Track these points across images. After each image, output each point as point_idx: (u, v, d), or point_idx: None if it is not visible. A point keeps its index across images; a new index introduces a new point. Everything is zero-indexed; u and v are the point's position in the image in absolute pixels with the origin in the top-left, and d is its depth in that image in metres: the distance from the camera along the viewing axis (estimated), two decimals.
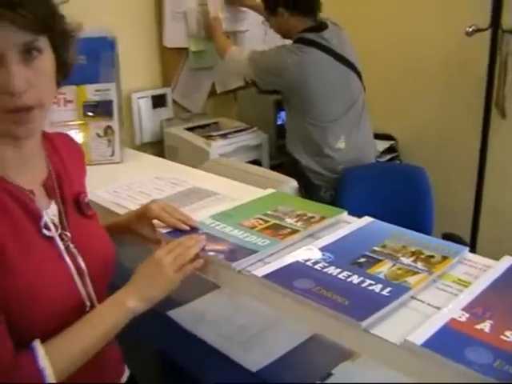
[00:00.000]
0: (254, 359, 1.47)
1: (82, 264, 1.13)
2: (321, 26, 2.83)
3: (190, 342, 1.57)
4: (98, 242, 1.23)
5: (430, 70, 3.40)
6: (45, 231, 1.09)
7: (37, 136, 1.14)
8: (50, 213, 1.13)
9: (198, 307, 1.67)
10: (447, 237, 2.88)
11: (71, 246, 1.12)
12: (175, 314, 1.64)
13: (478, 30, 3.06)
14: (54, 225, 1.12)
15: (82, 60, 1.94)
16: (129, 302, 1.11)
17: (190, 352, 1.55)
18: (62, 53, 1.10)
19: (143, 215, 1.35)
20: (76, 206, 1.20)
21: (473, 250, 3.10)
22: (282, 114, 3.23)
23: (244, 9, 3.31)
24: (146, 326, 1.63)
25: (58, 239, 1.11)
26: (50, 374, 0.98)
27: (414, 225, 2.68)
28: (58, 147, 1.24)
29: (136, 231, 1.36)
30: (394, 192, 2.86)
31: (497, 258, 1.18)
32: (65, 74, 1.14)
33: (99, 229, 1.27)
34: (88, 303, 1.13)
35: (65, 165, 1.23)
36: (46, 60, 1.05)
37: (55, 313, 1.05)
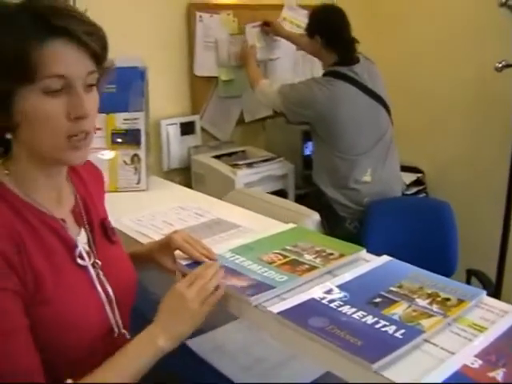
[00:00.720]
0: None
1: (111, 291, 1.15)
2: (352, 60, 2.85)
3: (207, 372, 1.57)
4: (124, 268, 1.26)
5: (460, 104, 3.40)
6: (79, 260, 1.11)
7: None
8: (81, 241, 1.15)
9: (216, 337, 1.68)
10: (472, 273, 2.85)
11: (101, 273, 1.15)
12: (193, 343, 1.65)
13: (508, 66, 3.06)
14: (87, 253, 1.14)
15: (112, 89, 1.99)
16: (158, 342, 1.09)
17: (206, 382, 1.55)
18: (101, 89, 1.14)
19: (166, 245, 1.37)
20: (103, 231, 1.24)
21: (498, 288, 3.06)
22: (310, 145, 3.24)
23: (278, 38, 3.37)
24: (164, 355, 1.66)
25: (90, 268, 1.13)
26: None
27: (438, 260, 2.74)
28: (81, 173, 1.27)
29: (158, 261, 1.38)
30: (418, 226, 2.85)
31: None
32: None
33: (123, 254, 1.30)
34: (116, 330, 1.15)
35: (89, 191, 1.26)
36: (96, 93, 1.10)
37: (84, 340, 1.07)
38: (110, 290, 1.15)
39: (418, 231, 2.84)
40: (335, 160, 2.83)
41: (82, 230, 1.18)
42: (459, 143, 3.45)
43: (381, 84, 2.92)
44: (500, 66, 3.08)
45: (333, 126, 2.78)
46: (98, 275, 1.14)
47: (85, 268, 1.12)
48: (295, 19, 3.51)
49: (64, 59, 1.00)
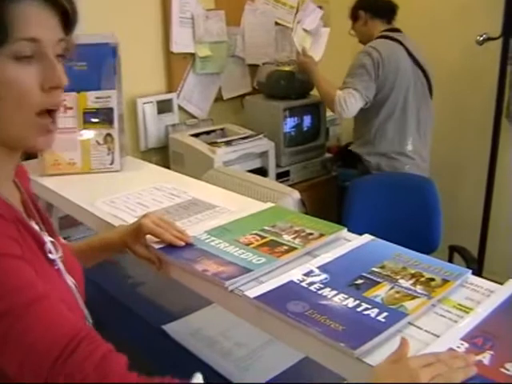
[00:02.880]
0: (251, 377, 1.43)
1: (74, 282, 1.08)
2: (398, 30, 3.00)
3: (184, 357, 1.53)
4: (74, 260, 1.18)
5: (440, 78, 3.35)
6: (50, 255, 1.02)
7: None
8: (44, 234, 1.06)
9: (193, 322, 1.63)
10: (455, 249, 2.83)
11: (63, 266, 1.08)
12: (169, 328, 1.60)
13: (489, 39, 3.02)
14: (54, 245, 1.05)
15: (83, 66, 1.91)
16: None
17: (184, 367, 1.51)
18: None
19: (137, 231, 1.30)
20: (47, 223, 1.13)
21: (480, 262, 3.07)
22: (290, 121, 3.20)
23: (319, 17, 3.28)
24: (141, 340, 1.61)
25: (58, 261, 1.04)
26: None
27: (421, 236, 2.71)
28: None
29: (130, 248, 1.32)
30: (401, 202, 2.83)
31: (504, 273, 1.13)
32: None
33: (66, 246, 1.20)
34: (90, 320, 1.10)
35: (23, 180, 1.14)
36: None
37: None
38: (73, 280, 1.08)
39: (401, 207, 2.82)
40: (382, 124, 2.91)
41: (33, 222, 1.05)
42: (440, 119, 3.41)
43: (423, 57, 2.98)
44: (481, 39, 3.05)
45: (384, 82, 2.85)
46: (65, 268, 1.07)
47: (54, 261, 1.04)
48: None
49: (37, 21, 0.90)
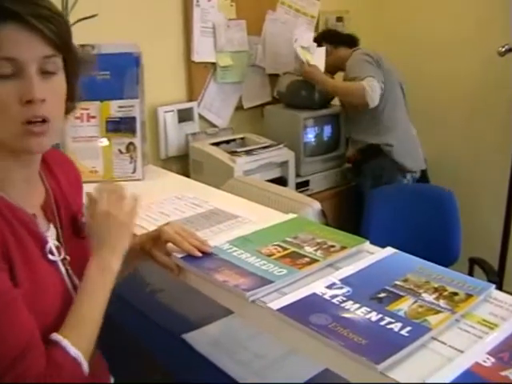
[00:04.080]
0: None
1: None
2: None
3: (204, 367, 1.53)
4: None
5: (461, 89, 3.35)
6: (50, 256, 1.10)
7: (40, 156, 1.14)
8: (51, 236, 1.14)
9: (213, 331, 1.63)
10: (475, 261, 2.81)
11: (69, 269, 1.15)
12: (190, 337, 1.61)
13: (511, 50, 3.00)
14: (57, 249, 1.13)
15: (107, 76, 1.93)
16: (113, 265, 1.14)
17: (203, 377, 1.51)
18: (72, 78, 1.11)
19: (157, 238, 1.32)
20: (72, 227, 1.21)
21: (500, 276, 3.03)
22: (310, 131, 3.20)
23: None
24: (161, 349, 1.62)
25: (60, 263, 1.13)
26: (82, 359, 1.01)
27: (440, 248, 2.70)
28: (52, 167, 1.24)
29: (149, 254, 1.33)
30: (421, 213, 2.83)
31: None
32: (73, 102, 1.15)
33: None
34: None
35: (60, 186, 1.23)
36: (60, 80, 1.07)
37: (51, 330, 1.04)
38: (78, 284, 1.13)
39: (420, 219, 2.81)
40: (391, 111, 3.08)
41: (52, 225, 1.16)
42: (461, 129, 3.40)
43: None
44: (503, 50, 3.03)
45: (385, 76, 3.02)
46: (67, 271, 1.14)
47: (55, 263, 1.12)
48: (294, 3, 3.44)
49: (14, 42, 0.98)
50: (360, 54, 3.08)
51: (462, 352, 0.94)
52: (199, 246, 1.30)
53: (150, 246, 1.32)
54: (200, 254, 1.29)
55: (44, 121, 1.02)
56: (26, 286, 1.01)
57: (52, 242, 1.12)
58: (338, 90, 3.12)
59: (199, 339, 1.59)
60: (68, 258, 1.15)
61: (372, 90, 2.88)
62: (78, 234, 1.22)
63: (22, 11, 0.97)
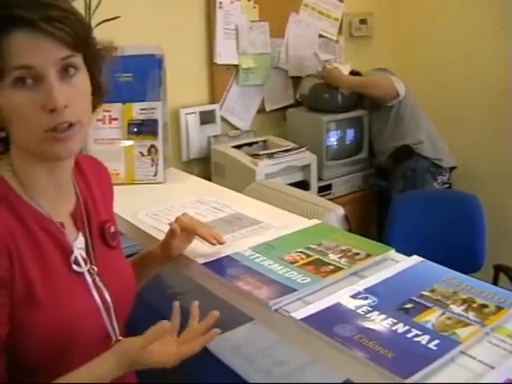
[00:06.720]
0: None
1: (108, 298, 1.11)
2: None
3: (224, 373, 1.51)
4: (122, 274, 1.20)
5: (484, 95, 3.30)
6: (74, 266, 1.07)
7: (71, 160, 1.11)
8: (78, 245, 1.11)
9: (234, 338, 1.61)
10: (500, 268, 2.76)
11: (97, 279, 1.10)
12: (211, 343, 1.58)
13: None
14: (83, 259, 1.09)
15: (129, 78, 1.92)
16: (114, 372, 1.03)
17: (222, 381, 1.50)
18: (96, 73, 1.08)
19: (173, 228, 1.30)
20: (102, 236, 1.18)
21: None
22: (333, 134, 3.17)
23: None
24: None
25: (86, 274, 1.09)
26: None
27: (464, 254, 2.65)
28: (85, 172, 1.21)
29: (170, 245, 1.32)
30: (445, 218, 2.78)
31: None
32: (100, 97, 1.11)
33: (123, 259, 1.25)
34: (113, 337, 1.11)
35: (92, 193, 1.20)
36: (83, 78, 1.03)
37: (78, 345, 1.03)
38: (107, 296, 1.10)
39: (444, 224, 2.76)
40: (413, 112, 3.12)
41: (81, 234, 1.13)
42: (484, 135, 3.35)
43: None
44: None
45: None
46: (94, 281, 1.10)
47: (81, 274, 1.08)
48: (317, 6, 3.42)
49: (28, 49, 0.95)
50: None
51: (492, 368, 0.91)
52: (215, 236, 1.30)
53: (169, 239, 1.31)
54: (216, 243, 1.28)
55: (70, 125, 1.00)
56: (47, 301, 0.99)
57: (78, 252, 1.09)
58: (366, 82, 3.14)
59: (220, 345, 1.57)
60: (95, 268, 1.11)
61: (399, 84, 2.98)
62: (107, 244, 1.18)
63: (30, 16, 0.94)
